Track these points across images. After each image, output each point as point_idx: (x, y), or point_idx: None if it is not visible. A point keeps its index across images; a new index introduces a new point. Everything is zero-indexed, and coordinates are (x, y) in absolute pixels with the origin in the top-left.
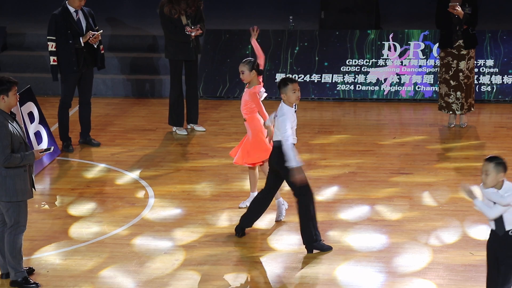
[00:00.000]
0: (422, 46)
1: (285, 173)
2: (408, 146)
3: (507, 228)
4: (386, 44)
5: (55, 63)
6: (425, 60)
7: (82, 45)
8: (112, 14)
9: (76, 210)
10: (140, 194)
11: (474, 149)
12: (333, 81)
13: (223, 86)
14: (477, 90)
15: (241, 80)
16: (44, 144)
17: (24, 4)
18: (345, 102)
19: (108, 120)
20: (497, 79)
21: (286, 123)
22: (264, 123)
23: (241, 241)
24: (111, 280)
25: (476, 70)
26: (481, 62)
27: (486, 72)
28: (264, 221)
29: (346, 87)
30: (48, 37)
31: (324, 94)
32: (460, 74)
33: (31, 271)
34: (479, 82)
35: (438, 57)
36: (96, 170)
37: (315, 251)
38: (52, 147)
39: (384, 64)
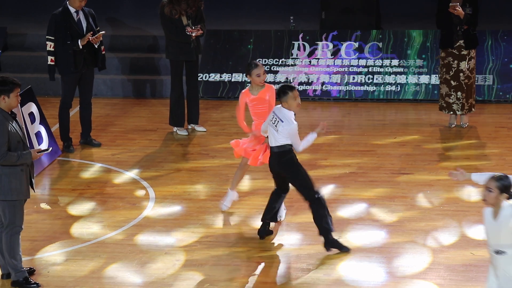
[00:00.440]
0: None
1: (291, 176)
2: (408, 146)
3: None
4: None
5: (53, 63)
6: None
7: (80, 47)
8: (112, 15)
9: (76, 210)
10: (141, 194)
11: (475, 149)
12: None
13: (223, 87)
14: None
15: (260, 83)
16: (45, 144)
17: (25, 5)
18: (346, 102)
19: (108, 120)
20: (497, 79)
21: (296, 132)
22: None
23: (242, 241)
24: (111, 280)
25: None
26: (481, 62)
27: (486, 72)
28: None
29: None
30: (47, 37)
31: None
32: (461, 74)
33: (32, 271)
34: (480, 82)
35: (438, 57)
36: (96, 171)
37: (333, 250)
38: (51, 148)
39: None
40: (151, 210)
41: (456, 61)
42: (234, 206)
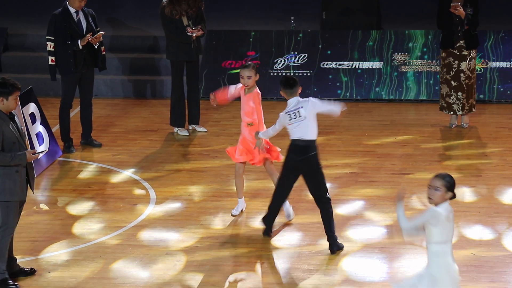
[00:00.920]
0: None
1: (316, 169)
2: (409, 147)
3: None
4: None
5: (53, 63)
6: None
7: (80, 47)
8: (112, 15)
9: (77, 211)
10: (141, 195)
11: (476, 149)
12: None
13: (224, 87)
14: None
15: (244, 85)
16: (46, 145)
17: (25, 5)
18: (346, 102)
19: (109, 121)
20: (498, 79)
21: (319, 100)
22: (258, 134)
23: (243, 241)
24: (112, 281)
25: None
26: (482, 62)
27: (487, 72)
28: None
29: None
30: (47, 37)
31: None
32: (461, 74)
33: (32, 272)
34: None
35: (439, 57)
36: (97, 171)
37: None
38: (47, 149)
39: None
40: (152, 210)
41: (456, 62)
42: (234, 206)
